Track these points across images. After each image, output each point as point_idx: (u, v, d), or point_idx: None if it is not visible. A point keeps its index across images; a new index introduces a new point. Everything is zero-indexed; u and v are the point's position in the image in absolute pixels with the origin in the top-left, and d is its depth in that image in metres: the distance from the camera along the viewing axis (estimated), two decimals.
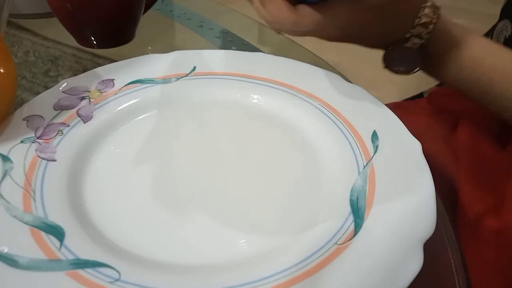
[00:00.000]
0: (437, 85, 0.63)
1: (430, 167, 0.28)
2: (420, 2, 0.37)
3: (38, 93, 0.35)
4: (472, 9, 1.81)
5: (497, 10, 0.54)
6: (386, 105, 0.36)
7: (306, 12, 0.33)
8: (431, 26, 0.36)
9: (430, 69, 0.40)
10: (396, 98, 0.66)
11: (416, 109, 0.59)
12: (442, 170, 0.47)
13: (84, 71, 0.38)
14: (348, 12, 0.34)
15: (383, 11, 0.35)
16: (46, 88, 0.38)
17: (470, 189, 0.45)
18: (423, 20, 0.36)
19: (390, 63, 0.39)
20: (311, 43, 0.27)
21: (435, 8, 0.37)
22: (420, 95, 0.67)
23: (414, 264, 0.22)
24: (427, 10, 0.36)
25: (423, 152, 0.30)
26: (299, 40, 0.42)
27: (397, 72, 0.40)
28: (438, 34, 0.37)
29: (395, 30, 0.37)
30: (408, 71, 0.39)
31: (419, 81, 0.68)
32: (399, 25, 0.37)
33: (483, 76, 0.38)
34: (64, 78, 0.38)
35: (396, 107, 0.58)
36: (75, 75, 0.37)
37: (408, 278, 0.21)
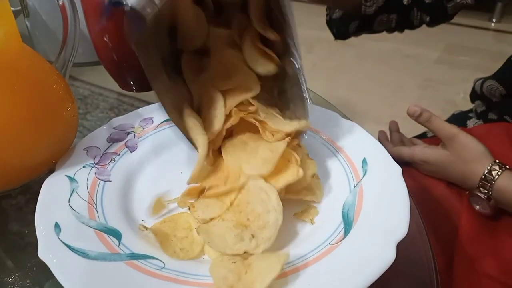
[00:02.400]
0: None
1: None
2: (481, 167, 0.49)
3: None
4: (477, 47, 1.89)
5: (501, 48, 0.60)
6: None
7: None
8: (490, 187, 0.48)
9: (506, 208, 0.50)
10: (403, 133, 0.69)
11: None
12: (446, 212, 0.52)
13: (110, 108, 0.44)
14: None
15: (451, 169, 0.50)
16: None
17: (471, 230, 0.50)
18: (482, 182, 0.49)
19: (472, 203, 0.51)
20: (324, 80, 0.34)
21: (499, 169, 0.48)
22: (424, 135, 0.70)
23: (388, 258, 0.29)
24: (487, 174, 0.48)
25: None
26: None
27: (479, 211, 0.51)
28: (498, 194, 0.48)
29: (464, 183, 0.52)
30: (485, 213, 0.50)
31: None
32: (465, 182, 0.51)
33: None
34: (92, 116, 0.45)
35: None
36: (102, 112, 0.44)
37: (383, 267, 0.28)
